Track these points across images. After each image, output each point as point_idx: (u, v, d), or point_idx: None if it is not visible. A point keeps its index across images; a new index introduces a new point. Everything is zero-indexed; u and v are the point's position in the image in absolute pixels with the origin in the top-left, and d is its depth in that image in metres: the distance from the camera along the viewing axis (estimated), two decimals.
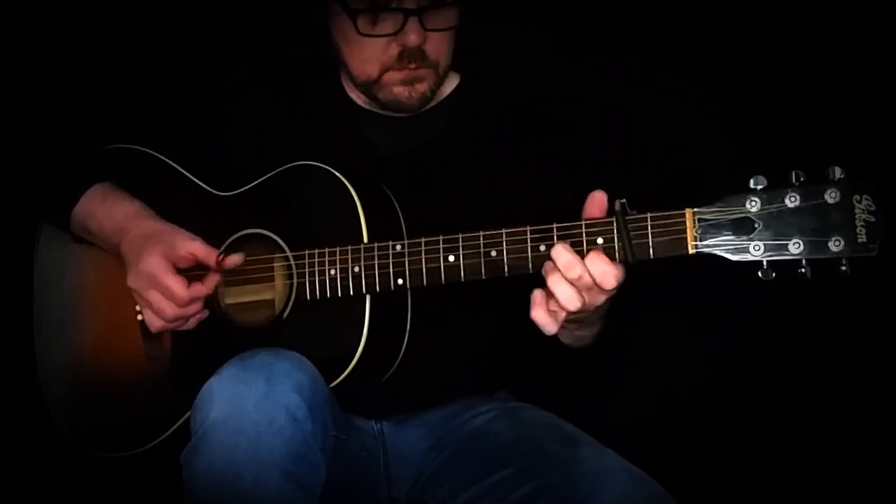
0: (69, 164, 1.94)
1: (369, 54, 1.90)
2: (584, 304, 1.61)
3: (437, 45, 1.90)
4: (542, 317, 1.64)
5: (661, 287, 2.23)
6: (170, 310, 1.81)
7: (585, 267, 1.59)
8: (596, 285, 1.60)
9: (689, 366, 2.42)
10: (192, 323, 1.86)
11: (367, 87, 1.94)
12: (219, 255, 1.83)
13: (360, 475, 1.91)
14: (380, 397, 1.92)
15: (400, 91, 1.91)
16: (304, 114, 2.01)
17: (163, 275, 1.80)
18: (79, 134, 1.98)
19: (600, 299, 1.63)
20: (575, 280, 1.60)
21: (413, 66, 1.89)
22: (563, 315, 1.63)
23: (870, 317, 2.32)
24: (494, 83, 2.09)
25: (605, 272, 1.59)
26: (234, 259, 1.85)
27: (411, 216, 1.85)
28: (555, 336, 1.69)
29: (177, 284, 1.80)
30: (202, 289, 1.82)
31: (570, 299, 1.60)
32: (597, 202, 1.64)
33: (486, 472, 1.84)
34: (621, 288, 1.64)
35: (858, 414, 2.32)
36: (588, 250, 1.62)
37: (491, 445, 1.89)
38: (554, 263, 1.61)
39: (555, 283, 1.61)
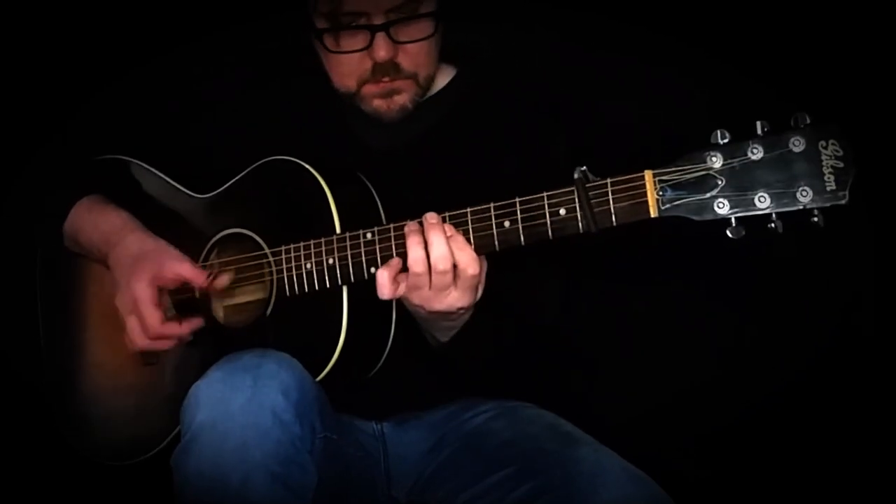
0: (56, 178, 1.98)
1: (344, 69, 1.88)
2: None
3: (413, 57, 1.86)
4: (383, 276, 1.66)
5: (658, 285, 2.18)
6: (140, 340, 1.83)
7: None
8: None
9: (687, 365, 2.35)
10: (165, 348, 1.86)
11: (350, 99, 1.92)
12: (208, 276, 1.82)
13: (359, 476, 1.87)
14: (379, 398, 1.90)
15: (379, 104, 1.89)
16: (294, 112, 2.01)
17: (143, 304, 1.80)
18: (64, 145, 2.02)
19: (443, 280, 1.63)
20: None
21: (387, 79, 1.86)
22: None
23: (869, 311, 2.23)
24: (488, 77, 2.05)
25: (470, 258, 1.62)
26: (223, 280, 1.84)
27: (403, 211, 1.81)
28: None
29: (152, 317, 1.80)
30: (177, 329, 1.82)
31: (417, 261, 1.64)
32: None
33: (486, 471, 1.80)
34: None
35: (860, 414, 2.23)
36: (551, 223, 1.58)
37: (490, 445, 1.84)
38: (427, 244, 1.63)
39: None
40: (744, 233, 1.48)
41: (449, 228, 1.64)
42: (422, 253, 1.63)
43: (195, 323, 1.84)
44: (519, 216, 1.60)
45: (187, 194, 1.95)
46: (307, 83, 2.00)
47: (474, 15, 2.05)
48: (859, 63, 2.10)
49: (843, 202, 1.42)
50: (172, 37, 2.32)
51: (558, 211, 1.57)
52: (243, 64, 2.10)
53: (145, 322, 1.81)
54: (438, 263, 1.62)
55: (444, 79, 2.00)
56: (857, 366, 2.25)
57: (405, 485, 1.91)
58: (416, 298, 1.67)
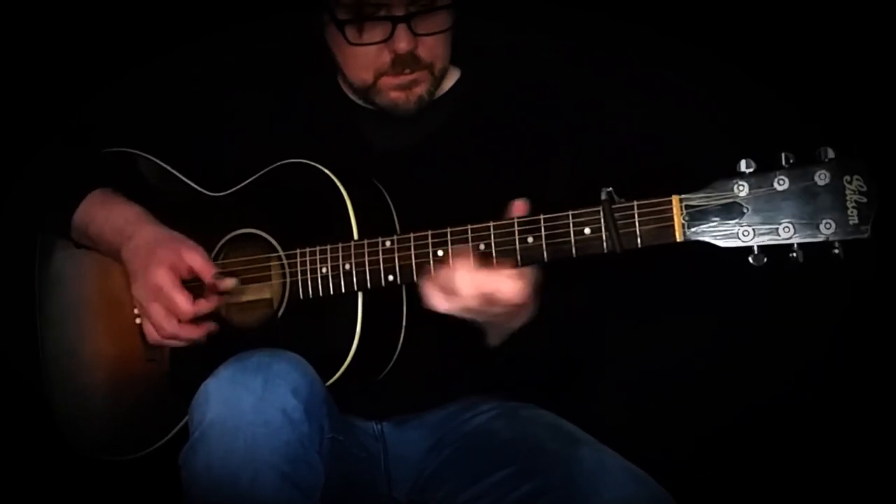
0: (67, 170, 1.96)
1: (362, 61, 1.89)
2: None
3: (431, 48, 1.88)
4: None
5: (659, 285, 2.22)
6: (168, 325, 1.81)
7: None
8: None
9: (688, 365, 2.37)
10: (194, 336, 1.85)
11: (365, 93, 1.93)
12: (213, 275, 1.82)
13: (361, 476, 1.89)
14: (380, 398, 1.91)
15: (397, 96, 1.90)
16: (301, 112, 2.00)
17: (170, 289, 1.80)
18: (75, 138, 2.00)
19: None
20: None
21: (408, 71, 1.87)
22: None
23: (868, 314, 2.27)
24: (494, 78, 2.07)
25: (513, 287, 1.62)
26: (228, 283, 1.84)
27: (410, 214, 1.84)
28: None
29: (183, 300, 1.79)
30: (206, 305, 1.81)
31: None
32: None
33: (486, 471, 1.82)
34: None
35: (860, 413, 2.27)
36: (576, 241, 1.60)
37: (491, 445, 1.87)
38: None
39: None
40: (765, 260, 1.52)
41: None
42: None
43: (215, 299, 1.83)
44: (543, 233, 1.62)
45: (199, 191, 1.95)
46: (311, 83, 2.01)
47: (485, 11, 2.07)
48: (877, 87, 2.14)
49: (864, 236, 1.46)
50: (173, 37, 2.29)
51: (583, 230, 1.60)
52: (245, 64, 2.09)
53: (177, 306, 1.79)
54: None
55: (449, 80, 2.02)
56: (857, 369, 2.28)
57: (405, 485, 1.93)
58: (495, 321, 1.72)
